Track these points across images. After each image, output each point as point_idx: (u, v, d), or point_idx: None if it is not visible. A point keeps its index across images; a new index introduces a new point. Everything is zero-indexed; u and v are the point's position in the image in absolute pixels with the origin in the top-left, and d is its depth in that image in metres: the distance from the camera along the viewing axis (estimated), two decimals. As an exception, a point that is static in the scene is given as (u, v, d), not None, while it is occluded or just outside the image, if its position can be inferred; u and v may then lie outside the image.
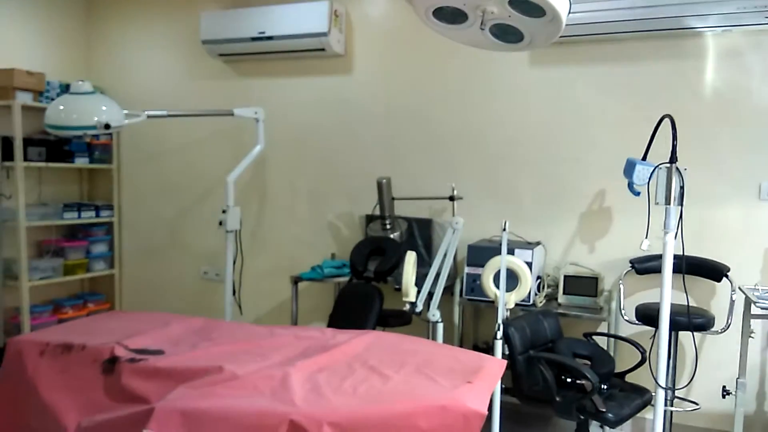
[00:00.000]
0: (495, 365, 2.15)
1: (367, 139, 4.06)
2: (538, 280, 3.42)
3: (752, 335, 2.70)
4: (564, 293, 3.37)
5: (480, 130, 3.77)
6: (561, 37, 3.36)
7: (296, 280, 3.78)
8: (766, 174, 3.20)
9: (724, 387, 2.75)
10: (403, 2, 3.90)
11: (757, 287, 2.80)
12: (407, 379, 2.01)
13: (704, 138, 3.30)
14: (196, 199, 4.59)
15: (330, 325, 3.24)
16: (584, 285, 3.35)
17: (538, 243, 3.53)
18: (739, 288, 3.00)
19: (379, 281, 3.32)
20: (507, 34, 2.32)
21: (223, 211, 3.78)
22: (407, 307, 3.09)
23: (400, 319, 3.34)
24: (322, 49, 3.86)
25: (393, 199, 3.67)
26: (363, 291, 3.24)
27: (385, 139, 4.01)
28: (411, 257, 3.07)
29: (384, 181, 3.59)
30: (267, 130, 4.22)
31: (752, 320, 2.63)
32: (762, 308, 2.49)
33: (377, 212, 3.73)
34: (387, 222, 3.66)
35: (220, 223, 3.78)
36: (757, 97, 3.19)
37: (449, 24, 2.35)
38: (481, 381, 1.99)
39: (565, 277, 3.38)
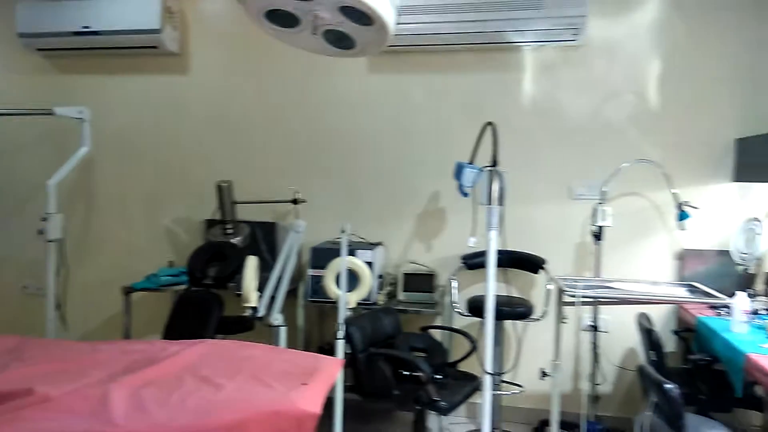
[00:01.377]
0: (331, 365, 2.18)
1: (206, 141, 3.92)
2: (379, 279, 3.53)
3: (565, 321, 2.99)
4: (404, 290, 3.52)
5: (322, 133, 3.82)
6: (396, 46, 3.53)
7: (128, 291, 3.54)
8: (575, 176, 3.58)
9: (542, 369, 3.03)
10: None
11: (567, 277, 3.12)
12: (241, 386, 1.98)
13: (524, 143, 3.61)
14: (14, 207, 4.13)
15: (166, 336, 3.08)
16: (422, 282, 3.52)
17: (379, 243, 3.64)
18: (553, 278, 3.33)
19: (219, 288, 3.22)
20: (339, 40, 2.38)
21: (43, 219, 3.44)
22: (248, 312, 3.03)
23: (241, 326, 3.26)
24: (155, 47, 3.66)
25: (234, 203, 3.59)
26: (201, 298, 3.12)
27: (226, 142, 3.91)
28: (252, 261, 3.02)
29: (225, 184, 3.49)
30: (94, 131, 3.90)
31: (564, 307, 2.92)
32: (570, 296, 2.78)
33: (218, 217, 3.62)
34: (228, 227, 3.57)
35: (40, 232, 3.44)
36: (567, 107, 3.56)
37: (282, 27, 2.35)
38: (316, 382, 2.01)
39: (405, 275, 3.53)
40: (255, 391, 1.94)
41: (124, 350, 2.28)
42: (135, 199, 4.00)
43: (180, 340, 2.48)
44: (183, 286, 3.51)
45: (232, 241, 3.50)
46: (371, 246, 3.51)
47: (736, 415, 3.21)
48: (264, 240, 3.72)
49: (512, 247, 3.58)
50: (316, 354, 2.29)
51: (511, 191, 3.55)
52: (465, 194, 3.23)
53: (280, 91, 3.84)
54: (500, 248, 2.73)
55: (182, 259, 3.91)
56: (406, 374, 2.86)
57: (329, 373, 2.10)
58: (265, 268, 3.51)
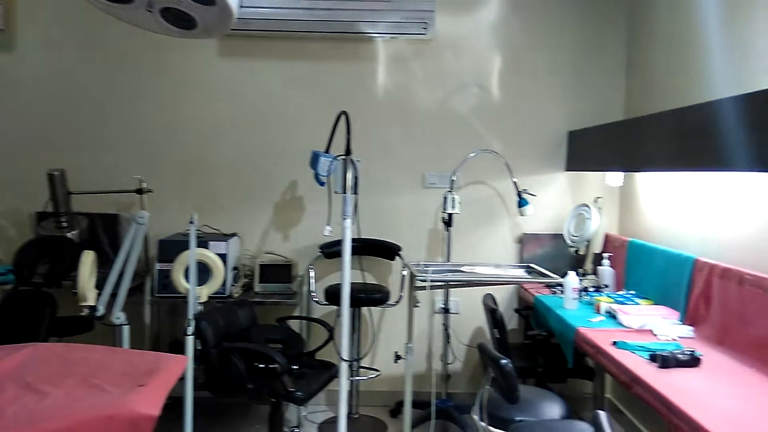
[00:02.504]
0: (174, 364, 2.07)
1: (37, 126, 3.55)
2: (235, 271, 3.42)
3: (417, 305, 3.11)
4: (260, 282, 3.44)
5: (170, 119, 3.61)
6: (248, 30, 3.43)
7: (-59, 294, 3.13)
8: (428, 166, 3.70)
9: (396, 352, 3.13)
10: (75, -27, 3.49)
11: (419, 263, 3.23)
12: (70, 392, 1.81)
13: (379, 133, 3.67)
14: None
15: (-12, 342, 2.76)
16: (279, 272, 3.46)
17: (234, 234, 3.53)
18: (407, 264, 3.43)
19: (51, 286, 2.94)
20: (180, 20, 2.24)
21: None
22: (86, 312, 2.80)
23: (79, 326, 3.01)
24: (-30, 18, 3.24)
25: (69, 193, 3.28)
26: (30, 298, 2.83)
27: (60, 127, 3.57)
28: (88, 257, 2.79)
29: (57, 173, 3.18)
30: None
31: (417, 292, 3.02)
32: (421, 281, 2.88)
33: (50, 209, 3.29)
34: (62, 219, 3.26)
35: None
36: (419, 99, 3.67)
37: (114, 2, 2.17)
38: (155, 383, 1.90)
39: (261, 265, 3.45)
40: (85, 396, 1.79)
41: (-73, 361, 2.00)
42: (-51, 190, 3.54)
43: (3, 345, 2.22)
44: (9, 286, 3.16)
45: (66, 235, 3.20)
46: (225, 237, 3.39)
47: (570, 384, 3.53)
48: (105, 233, 3.45)
49: (369, 235, 3.64)
50: (157, 353, 2.16)
51: (368, 180, 3.61)
52: (321, 183, 3.22)
53: (124, 73, 3.57)
54: (356, 236, 2.76)
55: (9, 255, 3.51)
56: (261, 367, 2.80)
57: (171, 372, 1.99)
58: (106, 264, 3.26)
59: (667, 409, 1.85)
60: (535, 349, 3.26)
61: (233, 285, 3.35)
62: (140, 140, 3.60)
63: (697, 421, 1.69)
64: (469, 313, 3.72)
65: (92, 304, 2.76)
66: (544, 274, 3.07)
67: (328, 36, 3.56)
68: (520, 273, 3.24)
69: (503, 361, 2.01)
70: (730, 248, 2.55)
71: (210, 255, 3.06)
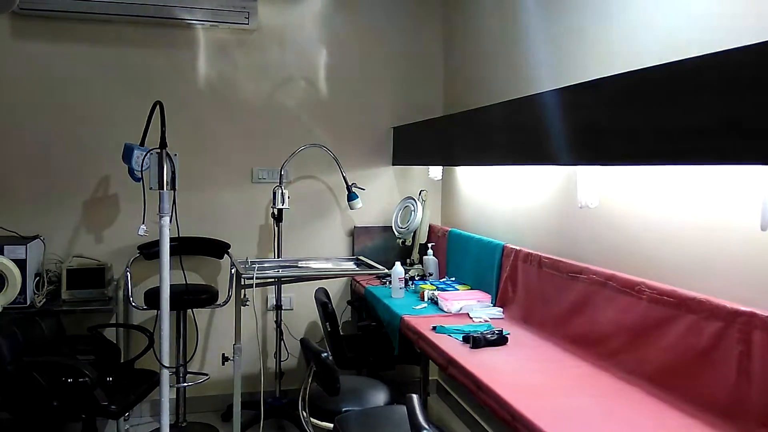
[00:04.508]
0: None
1: None
2: (37, 278, 3.07)
3: (246, 303, 3.01)
4: (68, 288, 3.11)
5: (-49, 107, 3.14)
6: (46, 10, 3.08)
7: None
8: (256, 160, 3.61)
9: (223, 354, 3.01)
10: None
11: (248, 260, 3.15)
12: None
13: (203, 126, 3.51)
14: None
15: None
16: (90, 277, 3.17)
17: (35, 237, 3.16)
18: (234, 262, 3.32)
19: None
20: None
21: None
22: None
23: None
24: None
25: None
26: None
27: None
28: None
29: None
30: None
31: (245, 290, 2.93)
32: (247, 279, 2.80)
33: None
34: None
35: None
36: (244, 91, 3.57)
37: None
38: None
39: (68, 270, 3.13)
40: None
41: None
42: None
43: None
44: None
45: None
46: (24, 240, 3.02)
47: (399, 370, 3.66)
48: None
49: (196, 233, 3.47)
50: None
51: (193, 176, 3.43)
52: (137, 179, 3.00)
53: None
54: (177, 235, 2.61)
55: None
56: (70, 381, 2.54)
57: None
58: None
59: (477, 386, 1.97)
60: (366, 339, 3.33)
61: (36, 293, 3.00)
62: None
63: (501, 396, 1.82)
64: (303, 308, 3.71)
65: None
66: (371, 265, 3.14)
67: (142, 20, 3.32)
68: (350, 266, 3.30)
69: (323, 355, 2.02)
70: (531, 234, 2.80)
71: (4, 261, 2.71)
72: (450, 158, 2.98)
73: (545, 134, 2.06)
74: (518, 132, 2.29)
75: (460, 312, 2.77)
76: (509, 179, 3.03)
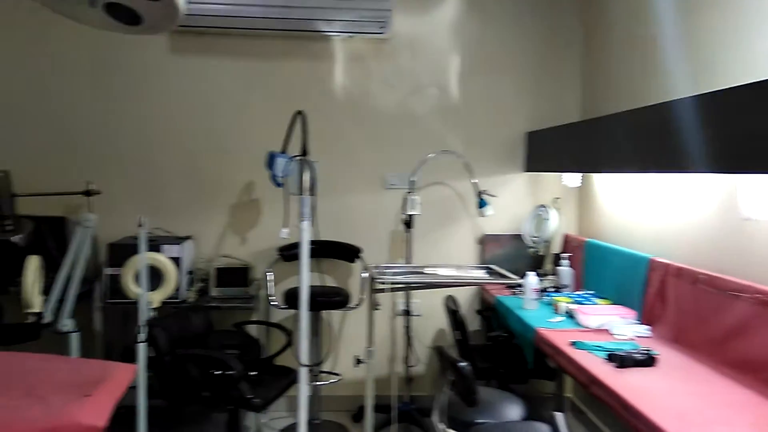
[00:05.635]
0: (122, 372, 1.99)
1: (-23, 124, 3.39)
2: (189, 275, 3.32)
3: (378, 307, 3.07)
4: (216, 286, 3.35)
5: (120, 118, 3.49)
6: (201, 27, 3.34)
7: None
8: (388, 166, 3.67)
9: (356, 356, 3.08)
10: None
11: (380, 265, 3.20)
12: (10, 403, 1.72)
13: (337, 133, 3.62)
14: None
15: (-77, 354, 2.61)
16: (236, 276, 3.38)
17: (188, 237, 3.42)
18: (367, 267, 3.39)
19: (-6, 293, 2.80)
20: (124, 15, 2.15)
21: None
22: (31, 319, 2.68)
23: (25, 334, 2.87)
24: None
25: (14, 195, 3.13)
26: (-30, 307, 2.69)
27: (4, 127, 3.41)
28: (33, 262, 2.67)
29: (0, 175, 3.03)
30: None
31: (377, 294, 2.98)
32: (381, 283, 2.84)
33: (-7, 212, 3.13)
34: (7, 223, 3.10)
35: None
36: (378, 99, 3.64)
37: (56, -4, 2.07)
38: (102, 392, 1.82)
39: (217, 269, 3.36)
40: (27, 407, 1.69)
41: None
42: None
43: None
44: (-52, 294, 3.00)
45: (11, 239, 3.05)
46: (179, 240, 3.29)
47: (532, 385, 3.54)
48: (52, 237, 3.30)
49: (329, 237, 3.58)
50: (104, 361, 2.08)
51: (327, 181, 3.56)
52: (278, 184, 3.16)
53: (69, 70, 3.44)
54: (315, 239, 2.71)
55: (-51, 262, 3.34)
56: (217, 374, 2.72)
57: (119, 381, 1.91)
58: (54, 269, 3.13)
59: (624, 409, 1.85)
60: (497, 350, 3.26)
61: (188, 290, 3.25)
62: (89, 140, 3.47)
63: (652, 420, 1.69)
64: (431, 315, 3.70)
65: (38, 310, 2.64)
66: (504, 275, 3.07)
67: (283, 34, 3.49)
68: (481, 274, 3.24)
69: (461, 364, 1.99)
70: (683, 248, 2.59)
71: (162, 259, 2.96)
72: (591, 165, 2.84)
73: (701, 140, 1.89)
74: (670, 138, 2.12)
75: (600, 328, 2.62)
76: (655, 188, 2.83)
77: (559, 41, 3.69)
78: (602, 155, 2.70)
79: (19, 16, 3.39)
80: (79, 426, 1.60)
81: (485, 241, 3.70)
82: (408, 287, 3.39)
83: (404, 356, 3.61)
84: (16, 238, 3.10)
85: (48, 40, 3.41)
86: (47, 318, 2.72)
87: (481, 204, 3.48)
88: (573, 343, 2.40)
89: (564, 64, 3.70)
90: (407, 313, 3.55)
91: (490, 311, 3.46)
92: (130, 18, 2.15)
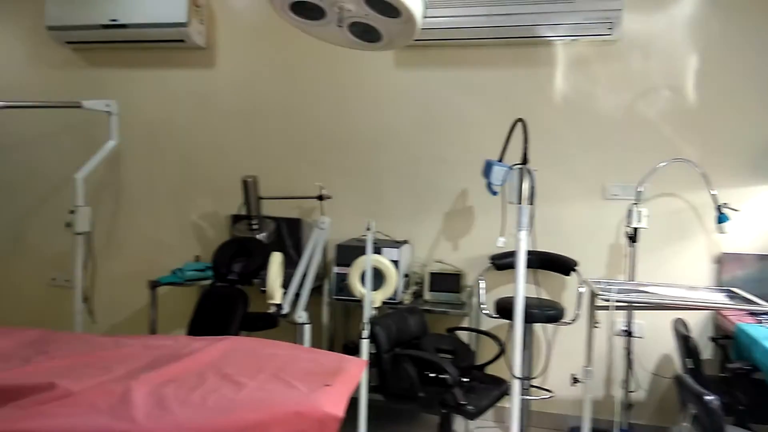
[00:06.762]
0: (355, 366, 2.12)
1: (232, 136, 3.90)
2: (405, 278, 3.46)
3: (597, 325, 2.90)
4: (430, 290, 3.44)
5: (348, 129, 3.76)
6: (424, 40, 3.46)
7: (154, 285, 3.54)
8: (608, 175, 3.46)
9: (573, 375, 2.94)
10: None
11: (600, 280, 3.01)
12: (263, 385, 1.93)
13: (555, 141, 3.51)
14: (43, 199, 4.17)
15: (190, 331, 3.07)
16: (448, 282, 3.44)
17: (405, 241, 3.57)
18: (586, 281, 3.22)
19: (244, 284, 3.20)
20: (365, 33, 2.32)
21: (71, 212, 3.46)
22: (273, 309, 3.00)
23: (265, 323, 3.23)
24: (182, 41, 3.65)
25: (260, 198, 3.56)
26: (226, 294, 3.10)
27: (251, 136, 3.88)
28: (276, 258, 2.98)
29: (250, 179, 3.46)
30: (122, 125, 3.93)
31: (597, 311, 2.82)
32: (604, 300, 2.67)
33: (244, 212, 3.59)
34: (254, 222, 3.54)
35: (68, 225, 3.46)
36: (601, 104, 3.45)
37: (308, 20, 2.30)
38: (339, 383, 1.96)
39: (431, 274, 3.46)
40: (277, 390, 1.89)
41: (147, 346, 2.26)
42: (161, 192, 4.01)
43: (204, 337, 2.45)
44: (208, 281, 3.50)
45: (257, 236, 3.47)
46: (397, 244, 3.44)
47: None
48: (289, 236, 3.68)
49: (542, 247, 3.48)
50: (339, 354, 2.24)
51: (542, 190, 3.46)
52: (494, 193, 3.15)
53: (306, 85, 3.80)
54: (530, 249, 2.64)
55: (208, 253, 3.90)
56: (431, 376, 2.79)
57: (353, 374, 2.04)
58: (290, 265, 3.48)
59: None
60: (736, 383, 2.88)
61: (404, 292, 3.39)
62: (321, 149, 3.80)
63: None
64: (654, 337, 3.40)
65: (279, 302, 2.95)
66: (750, 300, 2.70)
67: (505, 42, 3.47)
68: (720, 297, 2.88)
69: (708, 398, 1.78)
70: None
71: (384, 261, 3.12)
72: None
73: None
74: None
75: None
76: None
77: (827, 31, 3.15)
78: None
79: (266, 35, 3.84)
80: (323, 414, 1.74)
81: (723, 260, 3.30)
82: (634, 306, 3.15)
83: (623, 380, 3.36)
84: (260, 236, 3.52)
85: (289, 58, 3.81)
86: (285, 309, 3.03)
87: (721, 219, 3.10)
88: None
89: (833, 57, 3.15)
90: (628, 333, 3.30)
91: (728, 339, 3.07)
92: (370, 35, 2.31)
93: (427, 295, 3.44)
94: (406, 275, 3.49)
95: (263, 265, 3.19)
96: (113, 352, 2.18)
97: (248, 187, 3.46)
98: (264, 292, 3.06)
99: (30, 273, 4.21)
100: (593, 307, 2.80)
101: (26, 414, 1.73)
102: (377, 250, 3.30)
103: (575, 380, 2.90)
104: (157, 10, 3.54)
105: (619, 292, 2.88)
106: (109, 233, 4.08)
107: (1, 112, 4.14)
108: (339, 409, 1.78)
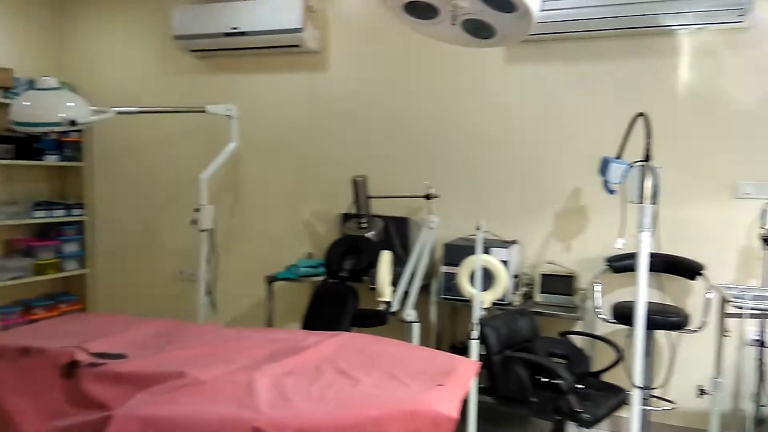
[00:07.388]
0: (467, 367, 2.11)
1: (342, 136, 4.00)
2: (515, 279, 3.39)
3: (727, 334, 2.69)
4: (541, 292, 3.35)
5: (456, 127, 3.74)
6: (537, 34, 3.37)
7: (271, 280, 3.72)
8: (740, 173, 3.19)
9: (700, 386, 2.74)
10: (379, -2, 3.85)
11: (731, 286, 2.79)
12: (377, 382, 1.97)
13: (679, 136, 3.29)
14: (170, 197, 4.50)
15: (304, 325, 3.19)
16: (560, 283, 3.33)
17: (514, 241, 3.50)
18: (714, 286, 2.99)
19: (354, 281, 3.27)
20: (479, 30, 2.29)
21: (196, 210, 3.70)
22: (382, 306, 3.05)
23: (375, 319, 3.28)
24: (297, 46, 3.79)
25: (369, 197, 3.62)
26: (337, 291, 3.18)
27: (361, 136, 3.96)
28: (386, 256, 3.03)
29: (360, 179, 3.54)
30: (241, 128, 4.16)
31: (727, 319, 2.62)
32: (737, 307, 2.48)
33: (353, 211, 3.67)
34: (363, 221, 3.61)
35: (193, 222, 3.70)
36: (732, 96, 3.19)
37: (421, 19, 2.31)
38: (452, 384, 1.95)
39: (542, 275, 3.36)
40: (391, 388, 1.92)
41: (267, 338, 2.37)
42: (277, 191, 4.19)
43: (318, 331, 2.54)
44: (321, 278, 3.62)
45: (366, 235, 3.54)
46: (506, 244, 3.38)
47: None
48: (397, 235, 3.72)
49: (665, 250, 3.28)
50: (451, 354, 2.23)
51: (664, 189, 3.26)
52: (611, 191, 3.01)
53: (414, 85, 3.82)
54: (652, 251, 2.50)
55: (320, 250, 4.03)
56: (544, 381, 2.71)
57: (465, 375, 2.03)
58: (397, 263, 3.53)
59: None
60: None
61: (513, 293, 3.32)
62: (430, 148, 3.80)
63: None
64: (792, 349, 3.10)
65: (388, 299, 2.99)
66: None
67: (623, 33, 3.30)
68: None
69: None
70: None
71: (494, 261, 3.07)
72: None
73: None
74: None
75: None
76: None
77: None
78: None
79: (379, 37, 3.90)
80: (438, 414, 1.74)
81: None
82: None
83: (754, 393, 3.09)
84: (370, 234, 3.59)
85: (400, 58, 3.85)
86: (394, 307, 3.07)
87: None
88: None
89: None
90: (761, 344, 3.03)
91: None
92: (483, 32, 2.28)
93: (538, 297, 3.35)
94: (516, 276, 3.42)
95: (373, 263, 3.25)
96: (236, 344, 2.31)
97: (358, 186, 3.53)
98: (373, 289, 3.12)
99: (160, 267, 4.56)
100: (723, 315, 2.60)
101: (159, 400, 1.87)
102: (486, 250, 3.26)
103: (702, 392, 2.71)
104: (274, 17, 3.70)
105: (754, 299, 2.66)
106: (228, 230, 4.33)
107: (134, 117, 4.51)
108: (453, 410, 1.78)
